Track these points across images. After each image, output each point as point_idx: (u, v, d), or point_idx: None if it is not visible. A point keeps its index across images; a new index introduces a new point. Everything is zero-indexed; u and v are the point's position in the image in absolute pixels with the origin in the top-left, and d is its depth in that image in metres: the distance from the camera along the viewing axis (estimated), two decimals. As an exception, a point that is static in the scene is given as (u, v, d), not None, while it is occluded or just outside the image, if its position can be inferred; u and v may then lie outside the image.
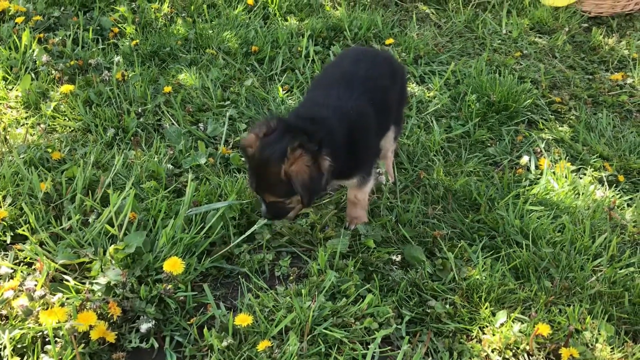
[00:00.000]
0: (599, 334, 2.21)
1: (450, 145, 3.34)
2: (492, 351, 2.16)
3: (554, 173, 3.11)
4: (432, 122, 3.49)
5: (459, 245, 2.57)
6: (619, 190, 3.10)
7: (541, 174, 3.11)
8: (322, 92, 2.60)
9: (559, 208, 2.86)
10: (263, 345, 1.96)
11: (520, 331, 2.19)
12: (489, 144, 3.40)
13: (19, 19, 3.84)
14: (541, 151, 3.33)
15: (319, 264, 2.36)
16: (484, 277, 2.38)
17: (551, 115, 3.76)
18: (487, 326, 2.24)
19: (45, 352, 1.95)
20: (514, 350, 2.16)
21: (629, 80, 4.22)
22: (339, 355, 2.05)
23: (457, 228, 2.74)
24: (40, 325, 1.98)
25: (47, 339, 1.99)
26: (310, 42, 4.11)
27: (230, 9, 4.53)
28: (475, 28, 4.75)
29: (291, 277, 2.31)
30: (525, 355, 2.15)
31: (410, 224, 2.70)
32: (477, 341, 2.19)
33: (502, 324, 2.24)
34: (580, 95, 3.98)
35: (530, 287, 2.40)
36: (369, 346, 2.08)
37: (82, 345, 1.96)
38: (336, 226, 2.62)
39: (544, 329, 2.13)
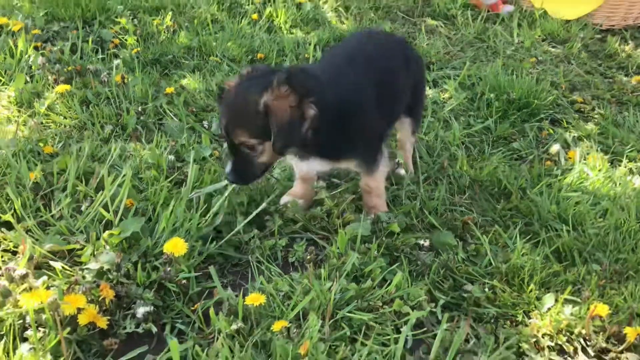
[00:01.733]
0: (664, 317, 1.93)
1: (472, 139, 3.12)
2: (543, 336, 1.86)
3: (586, 163, 2.87)
4: (450, 119, 3.28)
5: (493, 230, 2.31)
6: (658, 181, 2.85)
7: (572, 164, 2.88)
8: (322, 65, 2.40)
9: (596, 196, 2.61)
10: (279, 325, 1.68)
11: (571, 314, 1.91)
12: (512, 139, 3.18)
13: (16, 27, 3.69)
14: (569, 145, 3.11)
15: (338, 248, 2.10)
16: (524, 261, 2.11)
17: (575, 114, 3.55)
18: (532, 310, 1.96)
19: (26, 339, 1.67)
20: (567, 336, 1.87)
21: (651, 84, 4.03)
22: (367, 340, 1.76)
23: (488, 216, 2.48)
24: (20, 307, 1.70)
25: (27, 325, 1.71)
26: (318, 49, 3.96)
27: (234, 23, 4.40)
28: (486, 39, 4.61)
29: (309, 257, 2.03)
30: (582, 340, 1.86)
31: (436, 212, 2.45)
32: (524, 326, 1.90)
33: (549, 309, 1.95)
34: (603, 96, 3.79)
35: (576, 271, 2.12)
36: (400, 330, 1.79)
37: (68, 330, 1.68)
38: (355, 212, 2.37)
39: (602, 310, 1.85)
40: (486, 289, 2.01)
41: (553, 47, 4.61)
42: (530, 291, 2.00)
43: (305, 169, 2.31)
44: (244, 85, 1.99)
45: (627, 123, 3.44)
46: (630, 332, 1.76)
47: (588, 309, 1.90)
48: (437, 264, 2.08)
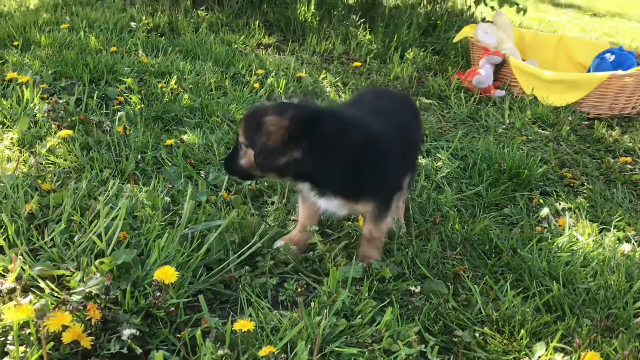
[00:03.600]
0: (656, 370, 1.90)
1: (464, 203, 3.17)
2: (534, 382, 1.83)
3: (576, 229, 2.92)
4: (442, 184, 3.35)
5: (483, 282, 2.31)
6: (647, 249, 2.88)
7: (563, 229, 2.92)
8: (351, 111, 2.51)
9: (586, 258, 2.63)
10: (266, 350, 1.65)
11: (563, 363, 1.88)
12: (504, 205, 3.23)
13: (24, 79, 3.81)
14: (559, 214, 3.16)
15: (329, 287, 2.09)
16: (514, 310, 2.10)
17: (564, 188, 3.63)
18: (523, 358, 1.93)
19: (7, 353, 1.63)
20: (558, 383, 1.84)
21: (639, 166, 4.15)
22: (355, 375, 1.73)
23: (479, 271, 2.49)
24: (1, 320, 1.67)
25: (8, 342, 1.67)
26: (316, 116, 4.09)
27: (237, 90, 4.56)
28: (478, 118, 4.78)
29: (299, 290, 2.01)
30: (573, 388, 1.83)
31: (427, 264, 2.46)
32: (514, 371, 1.88)
33: (540, 357, 1.93)
34: (591, 173, 3.89)
35: (567, 323, 2.11)
36: (389, 367, 1.76)
37: (51, 346, 1.64)
38: (347, 258, 2.38)
39: (594, 357, 1.83)
40: (477, 335, 1.99)
41: (543, 129, 4.77)
42: (521, 339, 1.99)
43: (323, 207, 2.34)
44: (273, 104, 2.24)
45: (616, 198, 3.51)
46: (622, 378, 1.74)
47: (579, 357, 1.88)
48: (428, 307, 2.07)
